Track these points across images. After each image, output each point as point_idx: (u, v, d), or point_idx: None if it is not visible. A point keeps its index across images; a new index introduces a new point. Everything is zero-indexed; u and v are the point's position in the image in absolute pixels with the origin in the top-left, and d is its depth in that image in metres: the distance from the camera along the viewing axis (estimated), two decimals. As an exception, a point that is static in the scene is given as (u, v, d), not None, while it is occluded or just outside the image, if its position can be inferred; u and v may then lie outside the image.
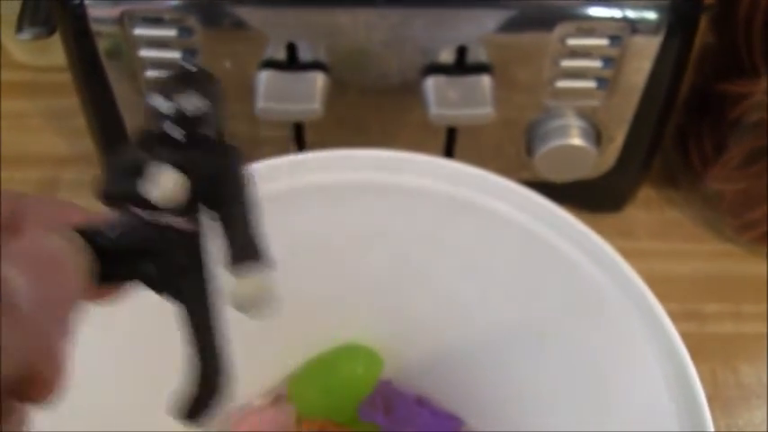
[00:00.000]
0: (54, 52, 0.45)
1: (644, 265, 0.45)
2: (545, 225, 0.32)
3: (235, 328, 0.34)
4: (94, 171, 0.45)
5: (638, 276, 0.30)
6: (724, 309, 0.44)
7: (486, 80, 0.37)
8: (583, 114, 0.39)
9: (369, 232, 0.34)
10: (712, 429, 0.27)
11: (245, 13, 0.36)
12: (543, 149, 0.39)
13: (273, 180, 0.32)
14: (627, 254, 0.45)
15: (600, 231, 0.45)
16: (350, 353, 0.37)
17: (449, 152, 0.41)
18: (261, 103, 0.37)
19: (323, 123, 0.39)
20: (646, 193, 0.47)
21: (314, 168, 0.32)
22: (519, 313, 0.34)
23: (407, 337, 0.37)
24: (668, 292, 0.44)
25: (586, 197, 0.45)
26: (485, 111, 0.36)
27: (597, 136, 0.40)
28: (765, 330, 0.43)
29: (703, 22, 0.42)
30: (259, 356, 0.36)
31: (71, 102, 0.42)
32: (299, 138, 0.40)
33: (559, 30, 0.36)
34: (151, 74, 0.38)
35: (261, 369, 0.37)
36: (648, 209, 0.47)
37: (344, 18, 0.36)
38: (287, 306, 0.35)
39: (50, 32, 0.41)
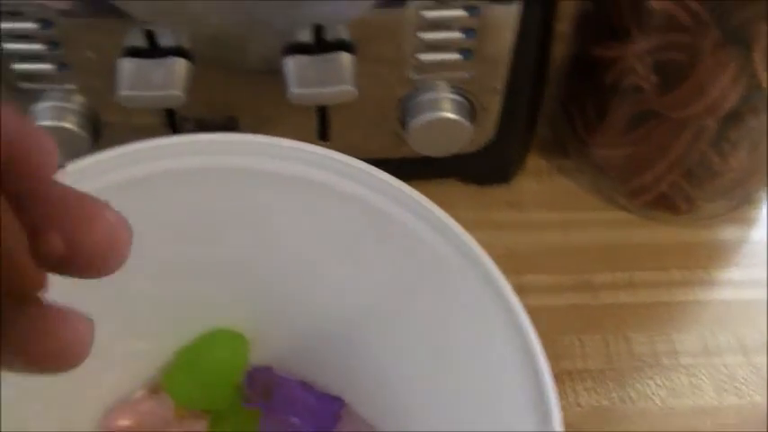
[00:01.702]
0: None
1: (535, 237, 0.45)
2: (393, 202, 0.31)
3: (103, 320, 0.35)
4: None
5: (482, 249, 0.30)
6: (617, 278, 0.43)
7: (345, 58, 0.36)
8: (453, 87, 0.39)
9: (226, 218, 0.33)
10: (554, 397, 0.27)
11: (103, 2, 0.36)
12: (415, 124, 0.39)
13: (128, 166, 0.32)
14: (517, 226, 0.45)
15: (489, 204, 0.45)
16: (213, 339, 0.36)
17: (323, 133, 0.40)
18: (122, 92, 0.36)
19: (197, 108, 0.39)
20: (536, 162, 0.46)
21: (165, 154, 0.32)
22: (378, 292, 0.33)
23: (280, 321, 0.36)
24: (560, 263, 0.44)
25: (472, 170, 0.45)
26: (345, 88, 0.36)
27: (470, 108, 0.39)
28: (658, 298, 0.43)
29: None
30: (133, 348, 0.36)
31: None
32: (173, 125, 0.40)
33: (414, 2, 0.35)
34: (20, 67, 0.38)
35: (136, 361, 0.37)
36: (539, 179, 0.46)
37: (196, 3, 0.35)
38: (154, 296, 0.36)
39: None
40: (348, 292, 0.35)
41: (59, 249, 0.16)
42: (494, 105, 0.39)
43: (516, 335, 0.29)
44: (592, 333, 0.42)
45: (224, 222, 0.34)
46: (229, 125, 0.41)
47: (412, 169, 0.45)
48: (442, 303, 0.32)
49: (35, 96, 0.39)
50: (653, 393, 0.40)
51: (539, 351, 0.28)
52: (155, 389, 0.38)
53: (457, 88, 0.39)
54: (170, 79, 0.37)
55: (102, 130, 0.40)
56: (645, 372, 0.41)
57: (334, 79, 0.36)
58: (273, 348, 0.38)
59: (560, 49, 0.42)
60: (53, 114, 0.39)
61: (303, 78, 0.36)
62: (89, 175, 0.31)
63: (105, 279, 0.34)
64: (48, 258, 0.16)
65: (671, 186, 0.42)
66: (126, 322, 0.36)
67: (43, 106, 0.39)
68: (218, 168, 0.32)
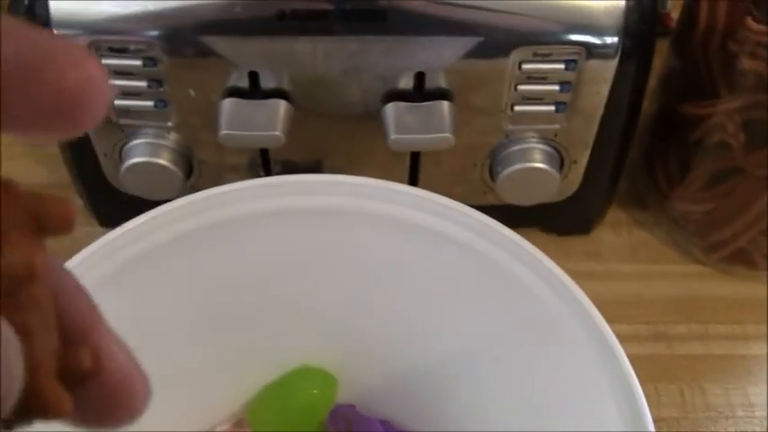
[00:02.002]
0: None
1: (613, 287, 0.45)
2: (498, 248, 0.32)
3: (193, 355, 0.35)
4: (70, 196, 0.46)
5: (587, 298, 0.30)
6: (692, 330, 0.44)
7: (445, 106, 0.37)
8: (544, 138, 0.39)
9: (320, 257, 0.34)
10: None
11: (208, 43, 0.37)
12: (505, 173, 0.39)
13: (225, 206, 0.33)
14: (595, 276, 0.45)
15: (568, 254, 0.46)
16: (303, 375, 0.37)
17: (413, 177, 0.41)
18: (223, 131, 0.37)
19: (289, 150, 0.40)
20: (614, 214, 0.47)
21: (266, 194, 0.33)
22: (473, 336, 0.34)
23: (366, 361, 0.37)
24: (637, 313, 0.44)
25: (554, 220, 0.45)
26: (444, 136, 0.37)
27: (560, 159, 0.40)
28: (733, 351, 0.43)
29: (666, 46, 0.43)
30: (219, 382, 0.37)
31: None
32: (266, 164, 0.41)
33: (515, 55, 0.36)
34: (120, 103, 0.39)
35: (221, 394, 0.37)
36: (617, 231, 0.47)
37: (304, 47, 0.36)
38: (244, 331, 0.36)
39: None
40: (440, 337, 0.35)
41: (87, 365, 0.14)
42: (583, 158, 0.40)
43: (620, 386, 0.29)
44: (667, 382, 0.42)
45: (316, 263, 0.35)
46: (315, 167, 0.42)
47: (494, 216, 0.46)
48: (540, 351, 0.32)
49: (131, 132, 0.40)
50: (729, 445, 0.41)
51: (646, 410, 0.29)
52: (239, 422, 0.39)
53: (548, 139, 0.39)
54: (271, 120, 0.38)
55: (194, 167, 0.41)
56: (720, 422, 0.41)
57: (434, 127, 0.37)
58: (357, 387, 0.38)
59: (644, 105, 0.42)
60: (148, 150, 0.40)
61: (402, 125, 0.37)
62: (183, 215, 0.32)
63: (202, 309, 0.35)
64: (73, 375, 0.14)
65: (749, 242, 0.43)
66: (214, 356, 0.36)
67: (139, 142, 0.40)
68: (314, 209, 0.33)
